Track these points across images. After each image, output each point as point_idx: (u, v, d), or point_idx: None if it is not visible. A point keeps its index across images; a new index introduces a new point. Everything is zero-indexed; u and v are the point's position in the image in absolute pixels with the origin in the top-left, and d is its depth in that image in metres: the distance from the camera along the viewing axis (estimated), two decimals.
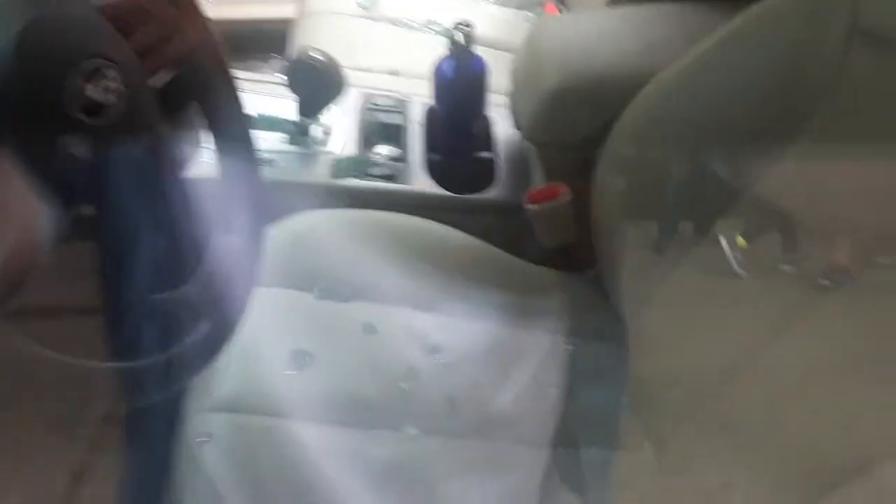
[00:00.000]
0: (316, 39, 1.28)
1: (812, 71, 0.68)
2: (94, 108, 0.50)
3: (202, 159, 0.62)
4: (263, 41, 1.61)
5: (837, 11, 0.65)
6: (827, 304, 0.64)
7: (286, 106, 1.03)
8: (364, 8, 1.34)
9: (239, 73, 0.63)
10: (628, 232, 0.86)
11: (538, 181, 1.00)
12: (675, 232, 0.82)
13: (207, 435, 0.72)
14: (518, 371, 0.84)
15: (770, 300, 0.70)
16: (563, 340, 0.88)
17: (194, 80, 0.60)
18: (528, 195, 0.96)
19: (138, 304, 0.53)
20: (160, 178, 0.57)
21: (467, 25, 0.99)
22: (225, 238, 0.62)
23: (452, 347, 0.84)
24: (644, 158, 0.83)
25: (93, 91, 0.49)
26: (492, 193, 1.06)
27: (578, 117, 0.90)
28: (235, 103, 0.63)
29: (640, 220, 0.84)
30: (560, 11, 1.40)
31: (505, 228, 1.02)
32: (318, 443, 0.73)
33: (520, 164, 1.07)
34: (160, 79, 0.58)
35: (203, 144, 0.62)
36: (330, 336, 0.82)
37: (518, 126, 0.98)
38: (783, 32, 0.71)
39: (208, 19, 0.61)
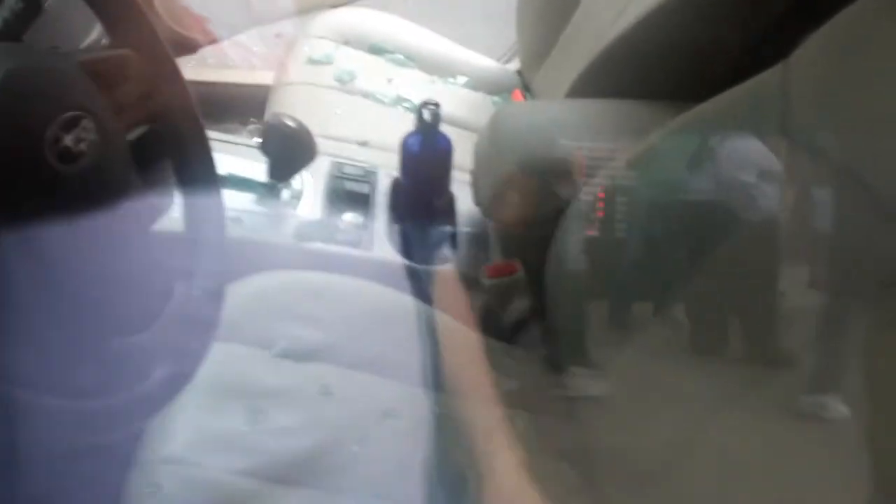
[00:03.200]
0: (291, 107, 1.32)
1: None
2: (69, 157, 0.52)
3: (172, 213, 0.65)
4: (242, 105, 1.64)
5: (768, 113, 0.70)
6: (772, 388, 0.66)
7: (257, 168, 1.07)
8: (341, 82, 1.39)
9: (213, 134, 0.67)
10: (582, 310, 0.89)
11: (496, 256, 1.04)
12: (629, 311, 0.85)
13: (156, 486, 0.72)
14: (472, 441, 0.85)
15: (716, 380, 0.72)
16: (518, 413, 0.89)
17: (168, 137, 0.63)
18: (485, 269, 0.99)
19: (96, 347, 0.55)
20: (127, 226, 0.59)
21: (434, 104, 1.04)
22: (186, 290, 0.64)
23: (406, 414, 0.85)
24: (598, 240, 0.87)
25: (68, 140, 0.52)
26: (451, 266, 1.09)
27: (533, 198, 0.94)
28: (207, 161, 0.66)
29: (594, 299, 0.87)
30: (526, 99, 1.47)
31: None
32: (267, 500, 0.73)
33: (479, 239, 1.11)
34: (135, 133, 0.61)
35: (175, 199, 0.64)
36: (285, 395, 0.83)
37: (478, 203, 1.02)
38: (721, 129, 0.76)
39: (185, 80, 0.64)
